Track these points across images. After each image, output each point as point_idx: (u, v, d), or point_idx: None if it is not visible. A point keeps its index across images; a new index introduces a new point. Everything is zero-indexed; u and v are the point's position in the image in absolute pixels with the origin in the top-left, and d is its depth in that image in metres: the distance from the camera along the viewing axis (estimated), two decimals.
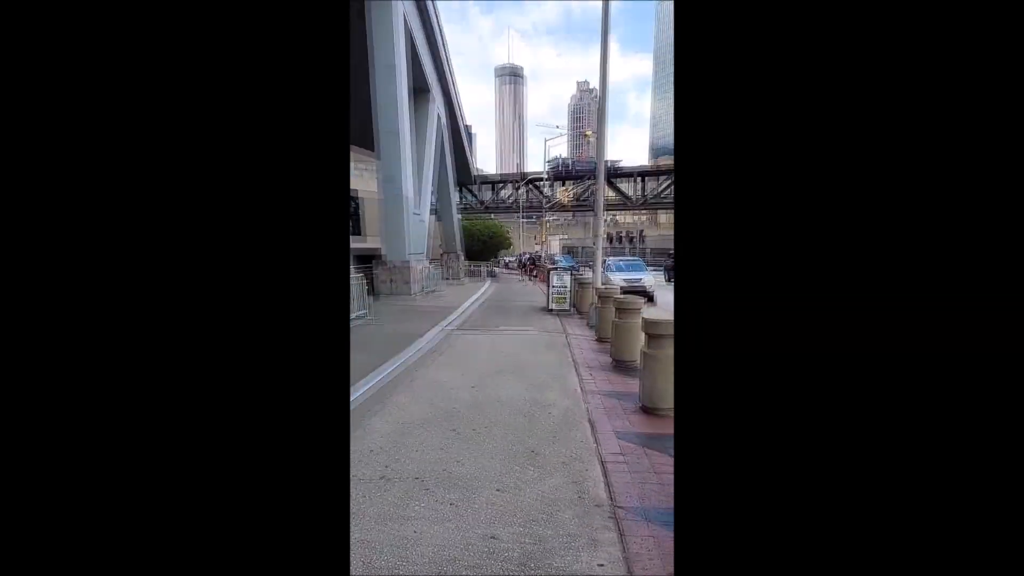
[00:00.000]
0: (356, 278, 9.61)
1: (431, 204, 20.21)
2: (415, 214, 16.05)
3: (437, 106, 20.43)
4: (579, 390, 4.66)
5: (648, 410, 3.93)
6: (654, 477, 2.80)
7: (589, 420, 3.80)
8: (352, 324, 8.79)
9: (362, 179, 18.71)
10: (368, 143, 15.01)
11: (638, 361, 5.76)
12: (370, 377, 5.03)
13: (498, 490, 2.65)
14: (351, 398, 4.24)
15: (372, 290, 14.56)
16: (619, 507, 2.48)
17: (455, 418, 3.83)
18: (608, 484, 2.72)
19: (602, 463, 3.00)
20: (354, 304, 9.17)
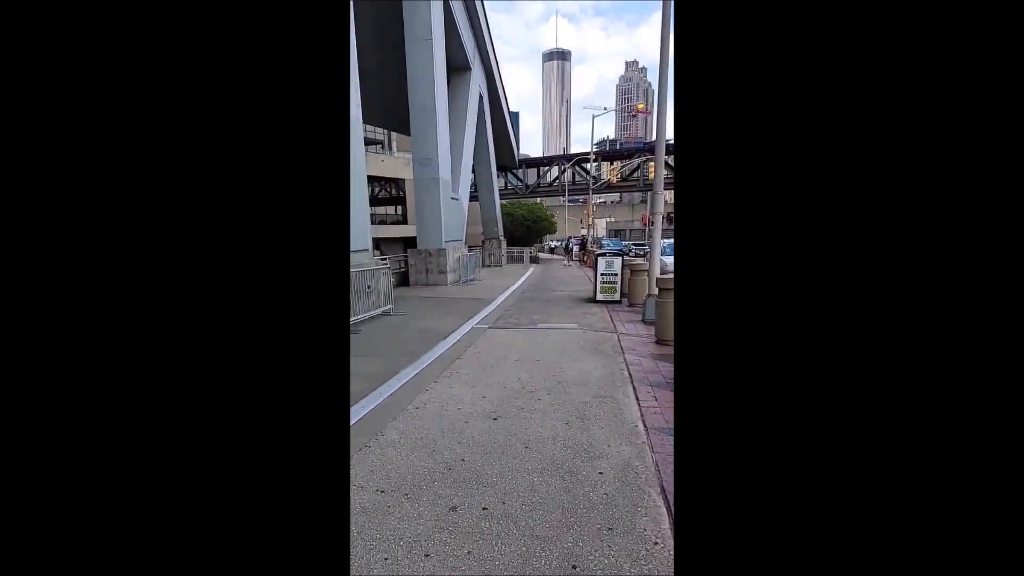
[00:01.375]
0: (380, 270, 8.51)
1: (470, 188, 18.99)
2: (452, 198, 14.93)
3: (478, 86, 18.98)
4: (641, 427, 3.32)
5: None
6: None
7: (662, 489, 2.48)
8: (366, 324, 7.74)
9: (409, 167, 17.70)
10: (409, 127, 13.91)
11: None
12: (366, 401, 3.90)
13: None
14: None
15: (406, 279, 13.67)
16: None
17: (458, 480, 2.60)
18: None
19: None
20: (373, 300, 8.11)
